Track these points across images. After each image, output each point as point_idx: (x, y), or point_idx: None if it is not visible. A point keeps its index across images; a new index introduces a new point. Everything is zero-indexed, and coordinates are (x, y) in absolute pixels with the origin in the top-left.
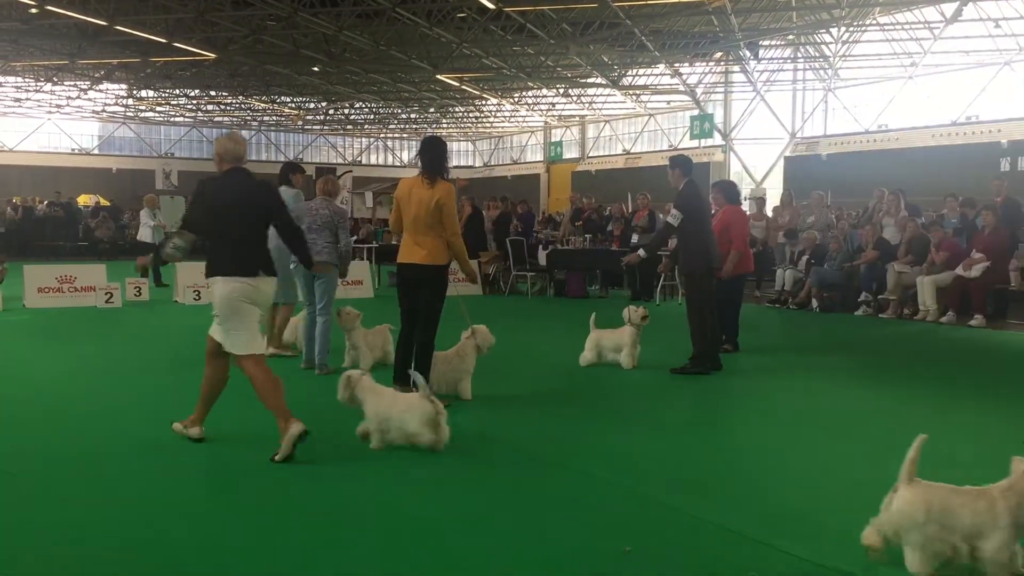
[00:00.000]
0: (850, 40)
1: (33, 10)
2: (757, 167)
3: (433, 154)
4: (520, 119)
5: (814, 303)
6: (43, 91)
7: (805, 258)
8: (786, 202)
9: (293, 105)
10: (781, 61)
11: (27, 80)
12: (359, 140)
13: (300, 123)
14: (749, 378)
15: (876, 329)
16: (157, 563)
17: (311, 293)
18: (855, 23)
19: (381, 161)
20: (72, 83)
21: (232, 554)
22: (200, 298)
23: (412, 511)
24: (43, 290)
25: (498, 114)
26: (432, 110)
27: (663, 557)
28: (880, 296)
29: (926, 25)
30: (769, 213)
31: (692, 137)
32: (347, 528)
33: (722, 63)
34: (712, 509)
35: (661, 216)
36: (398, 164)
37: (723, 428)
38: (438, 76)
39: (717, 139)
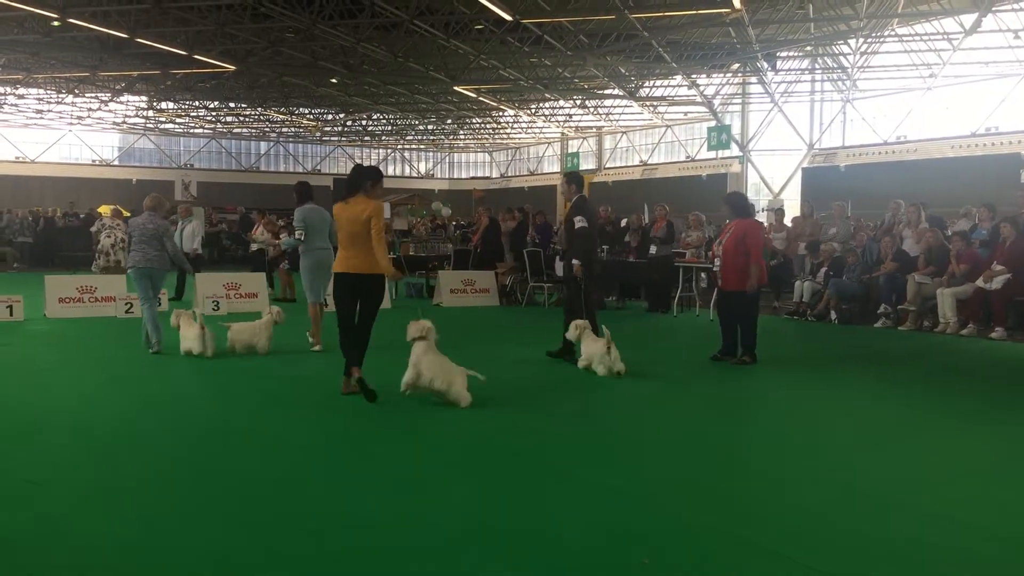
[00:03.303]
0: (868, 51)
1: (55, 23)
2: (775, 178)
3: (349, 179)
4: (537, 130)
5: (833, 315)
6: (64, 103)
7: (824, 270)
8: (806, 214)
9: (311, 116)
10: (799, 72)
11: (49, 92)
12: (377, 151)
13: (318, 134)
14: (766, 389)
15: (895, 341)
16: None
17: (149, 290)
18: (873, 34)
19: (399, 172)
20: (93, 95)
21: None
22: (219, 308)
23: (426, 520)
24: (64, 300)
25: (515, 125)
26: (449, 121)
27: (682, 568)
28: (899, 308)
29: (945, 36)
30: (788, 224)
31: (709, 148)
32: (357, 540)
33: (739, 74)
34: (730, 520)
35: (679, 226)
36: (416, 175)
37: (739, 439)
38: (455, 88)
39: (735, 150)
